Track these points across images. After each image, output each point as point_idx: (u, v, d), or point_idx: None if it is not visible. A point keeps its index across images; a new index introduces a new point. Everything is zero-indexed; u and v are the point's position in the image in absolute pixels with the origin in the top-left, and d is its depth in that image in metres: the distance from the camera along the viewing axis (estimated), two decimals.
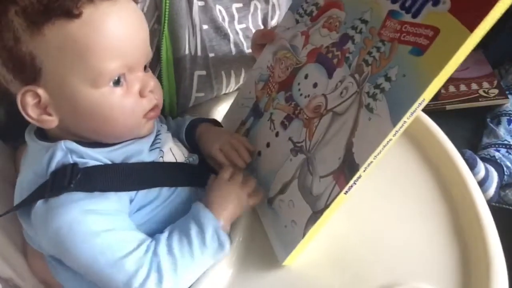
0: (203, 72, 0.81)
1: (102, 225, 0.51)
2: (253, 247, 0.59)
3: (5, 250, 0.64)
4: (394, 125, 0.47)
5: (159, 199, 0.57)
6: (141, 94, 0.54)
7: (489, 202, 1.04)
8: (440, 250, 0.58)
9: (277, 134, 0.62)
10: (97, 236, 0.50)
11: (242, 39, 0.82)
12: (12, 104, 0.52)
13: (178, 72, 0.80)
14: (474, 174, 1.02)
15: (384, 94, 0.49)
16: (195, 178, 0.61)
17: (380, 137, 0.48)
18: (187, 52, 0.78)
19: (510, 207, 1.05)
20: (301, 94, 0.60)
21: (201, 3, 0.78)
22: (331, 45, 0.58)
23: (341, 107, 0.54)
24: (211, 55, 0.80)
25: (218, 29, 0.80)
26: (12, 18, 0.49)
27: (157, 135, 0.60)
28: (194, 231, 0.52)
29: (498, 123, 1.16)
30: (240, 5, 0.81)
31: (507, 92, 1.21)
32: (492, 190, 1.04)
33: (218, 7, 0.80)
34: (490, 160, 1.08)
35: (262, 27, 0.84)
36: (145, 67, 0.55)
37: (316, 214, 0.53)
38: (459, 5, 0.44)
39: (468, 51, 0.43)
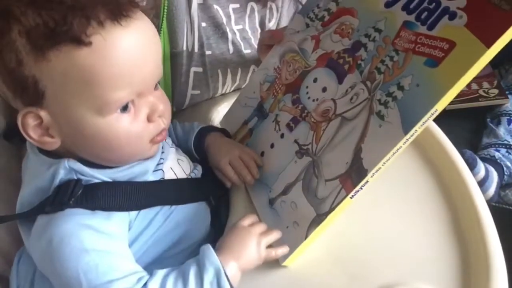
0: (200, 69, 0.81)
1: (95, 243, 0.48)
2: None
3: (8, 250, 0.62)
4: (406, 133, 0.48)
5: (156, 220, 0.55)
6: (149, 119, 0.51)
7: (489, 202, 1.04)
8: (440, 250, 0.59)
9: (282, 136, 0.63)
10: (86, 253, 0.47)
11: (239, 40, 0.83)
12: None
13: (174, 68, 0.80)
14: (474, 174, 1.03)
15: (396, 103, 0.50)
16: (197, 193, 0.59)
17: (391, 144, 0.49)
18: (184, 48, 0.78)
19: (510, 207, 1.05)
20: (309, 98, 0.61)
21: (200, 1, 0.78)
22: (342, 51, 0.58)
23: (350, 113, 0.55)
24: (208, 52, 0.80)
25: (217, 28, 0.80)
26: (15, 39, 0.45)
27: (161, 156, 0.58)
28: (192, 271, 0.48)
29: (498, 123, 1.17)
30: (237, 5, 0.82)
31: (507, 92, 1.21)
32: (492, 190, 1.05)
33: (215, 6, 0.80)
34: (490, 160, 1.09)
35: (259, 30, 0.85)
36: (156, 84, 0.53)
37: (320, 217, 0.54)
38: (476, 21, 0.46)
39: (483, 65, 0.45)
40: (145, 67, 0.49)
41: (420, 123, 0.48)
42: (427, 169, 0.69)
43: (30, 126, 0.49)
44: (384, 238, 0.59)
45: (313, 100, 0.60)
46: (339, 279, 0.56)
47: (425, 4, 0.51)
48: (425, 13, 0.51)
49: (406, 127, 0.48)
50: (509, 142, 1.13)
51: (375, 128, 0.51)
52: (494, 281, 0.54)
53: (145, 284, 0.47)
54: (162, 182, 0.56)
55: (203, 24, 0.79)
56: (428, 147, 0.69)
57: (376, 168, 0.50)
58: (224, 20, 0.81)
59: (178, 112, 0.86)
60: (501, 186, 1.08)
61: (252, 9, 0.83)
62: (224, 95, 0.88)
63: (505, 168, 1.08)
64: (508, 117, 1.18)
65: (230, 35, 0.81)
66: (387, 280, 0.55)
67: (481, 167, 1.05)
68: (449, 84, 0.46)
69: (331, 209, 0.53)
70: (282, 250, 0.54)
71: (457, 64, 0.46)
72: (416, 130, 0.48)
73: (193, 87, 0.83)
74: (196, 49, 0.80)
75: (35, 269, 0.55)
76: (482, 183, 1.04)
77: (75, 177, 0.51)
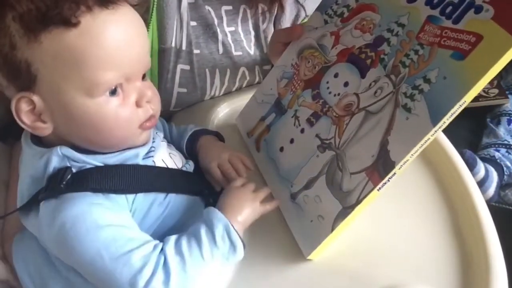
0: (187, 67, 0.81)
1: (107, 219, 0.49)
2: (255, 244, 0.58)
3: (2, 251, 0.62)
4: (434, 125, 0.49)
5: (152, 211, 0.55)
6: (138, 104, 0.52)
7: (489, 202, 1.05)
8: (440, 251, 0.60)
9: (302, 131, 0.63)
10: (101, 229, 0.48)
11: (230, 41, 0.83)
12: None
13: (161, 63, 0.80)
14: (474, 174, 1.04)
15: (423, 95, 0.51)
16: (191, 184, 0.59)
17: (419, 136, 0.50)
18: (172, 44, 0.78)
19: (510, 207, 1.06)
20: (330, 92, 0.61)
21: (191, 0, 0.79)
22: (364, 46, 0.59)
23: (375, 106, 0.55)
24: (197, 51, 0.81)
25: (207, 27, 0.81)
26: (9, 24, 0.48)
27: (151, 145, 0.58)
28: (203, 230, 0.51)
29: (498, 123, 1.18)
30: (230, 7, 0.82)
31: (507, 92, 1.22)
32: (492, 190, 1.06)
33: (207, 7, 0.80)
34: (490, 160, 1.10)
35: (252, 32, 0.85)
36: (143, 76, 0.54)
37: (346, 210, 0.54)
38: (503, 14, 0.47)
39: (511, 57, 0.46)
40: (132, 51, 0.51)
41: (449, 114, 0.48)
42: (426, 169, 0.70)
43: (23, 111, 0.50)
44: (383, 239, 0.60)
45: (335, 95, 0.60)
46: (338, 281, 0.56)
47: None
48: (450, 8, 0.51)
49: (435, 118, 0.49)
50: (509, 142, 1.14)
51: (402, 121, 0.52)
52: (494, 282, 0.54)
53: (162, 249, 0.49)
54: (155, 168, 0.56)
55: (193, 23, 0.79)
56: (427, 147, 0.70)
57: (404, 160, 0.51)
58: (216, 21, 0.81)
59: (176, 113, 0.86)
60: (501, 186, 1.09)
61: (245, 12, 0.83)
62: (221, 97, 0.87)
63: (505, 168, 1.10)
64: (508, 117, 1.20)
65: (220, 36, 0.81)
66: (387, 282, 0.56)
67: (481, 167, 1.07)
68: (478, 76, 0.47)
69: (358, 202, 0.53)
70: (275, 202, 0.59)
71: (485, 57, 0.47)
72: (444, 122, 0.49)
73: (179, 84, 0.82)
74: (184, 47, 0.80)
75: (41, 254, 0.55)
76: (482, 183, 1.05)
77: (68, 164, 0.51)
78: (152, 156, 0.56)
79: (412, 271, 0.58)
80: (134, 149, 0.55)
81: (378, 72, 0.56)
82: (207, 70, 0.82)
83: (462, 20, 0.50)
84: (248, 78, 0.87)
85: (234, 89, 0.87)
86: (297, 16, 0.87)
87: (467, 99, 0.48)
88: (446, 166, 0.70)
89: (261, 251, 0.59)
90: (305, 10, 0.87)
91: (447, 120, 0.49)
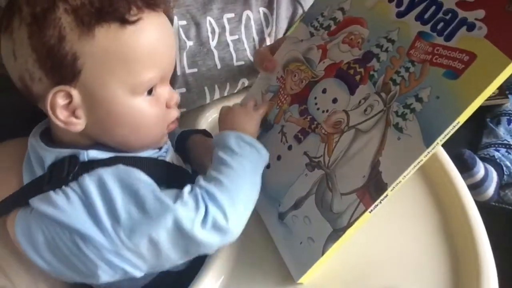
0: (183, 90, 0.79)
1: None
2: (243, 266, 0.58)
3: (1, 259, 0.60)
4: (427, 146, 0.47)
5: None
6: (168, 105, 0.54)
7: (488, 202, 1.06)
8: (430, 254, 0.59)
9: (289, 148, 0.61)
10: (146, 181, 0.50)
11: (232, 51, 0.81)
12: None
13: None
14: (474, 174, 1.05)
15: (415, 115, 0.49)
16: None
17: (411, 157, 0.48)
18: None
19: (510, 207, 1.07)
20: (318, 109, 0.59)
21: (183, 22, 0.77)
22: (352, 62, 0.57)
23: (365, 125, 0.53)
24: (193, 70, 0.78)
25: (203, 45, 0.78)
26: (60, 16, 0.47)
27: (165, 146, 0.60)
28: (219, 150, 0.53)
29: (498, 123, 1.18)
30: (232, 15, 0.80)
31: (507, 92, 1.22)
32: (491, 190, 1.05)
33: (208, 18, 0.78)
34: (489, 160, 1.10)
35: (257, 38, 0.83)
36: None
37: (337, 232, 0.53)
38: (497, 32, 0.45)
39: (507, 76, 0.44)
40: (171, 53, 0.54)
41: (442, 135, 0.47)
42: (416, 172, 0.67)
43: (59, 105, 0.49)
44: (374, 244, 0.59)
45: (323, 112, 0.59)
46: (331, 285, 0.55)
47: (440, 15, 0.50)
48: (441, 24, 0.50)
49: (428, 140, 0.47)
50: (509, 142, 1.14)
51: (394, 141, 0.50)
52: (485, 283, 0.54)
53: (195, 186, 0.50)
54: (166, 163, 0.57)
55: (190, 43, 0.77)
56: None
57: (396, 182, 0.49)
58: (217, 32, 0.79)
59: None
60: (501, 186, 1.09)
61: (248, 18, 0.81)
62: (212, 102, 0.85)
63: (504, 168, 1.10)
64: (508, 117, 1.20)
65: (216, 53, 0.79)
66: (379, 285, 0.55)
67: (480, 167, 1.06)
68: (472, 96, 0.45)
69: (349, 224, 0.52)
70: (264, 103, 0.65)
71: (479, 76, 0.45)
72: (437, 143, 0.47)
73: (178, 106, 0.81)
74: (178, 72, 0.78)
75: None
76: (481, 183, 1.05)
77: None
78: (165, 157, 0.57)
79: (403, 275, 0.57)
80: (153, 150, 0.56)
81: (367, 89, 0.54)
82: (205, 88, 0.80)
83: (454, 37, 0.49)
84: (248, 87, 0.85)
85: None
86: (294, 13, 0.85)
87: (461, 120, 0.47)
88: (436, 169, 0.69)
89: (249, 274, 0.57)
90: (303, 8, 0.85)
91: (440, 141, 0.47)
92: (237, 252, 0.56)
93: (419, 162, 0.48)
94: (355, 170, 0.53)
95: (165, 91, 0.54)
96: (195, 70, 0.78)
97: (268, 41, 0.83)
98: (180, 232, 0.47)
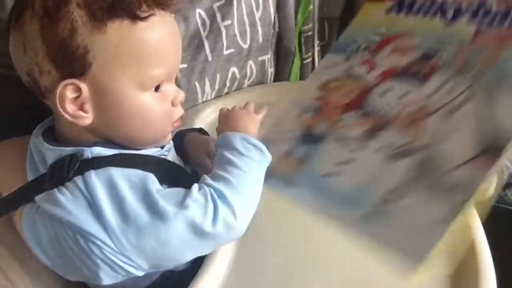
0: None
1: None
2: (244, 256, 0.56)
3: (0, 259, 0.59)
4: None
5: None
6: (173, 103, 0.54)
7: None
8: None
9: (356, 150, 0.57)
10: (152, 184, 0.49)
11: (224, 39, 0.81)
12: None
13: None
14: None
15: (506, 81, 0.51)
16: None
17: None
18: None
19: (510, 207, 1.04)
20: (383, 108, 0.58)
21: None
22: (412, 62, 0.59)
23: (453, 104, 0.53)
24: (183, 66, 0.78)
25: (192, 38, 0.79)
26: (73, 10, 0.48)
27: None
28: (224, 151, 0.53)
29: None
30: (222, 2, 0.81)
31: None
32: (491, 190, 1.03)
33: (197, 10, 0.78)
34: None
35: (247, 21, 0.84)
36: None
37: (456, 206, 0.47)
38: None
39: None
40: (179, 51, 0.54)
41: None
42: None
43: (68, 98, 0.49)
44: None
45: (392, 108, 0.57)
46: None
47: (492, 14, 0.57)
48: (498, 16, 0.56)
49: None
50: None
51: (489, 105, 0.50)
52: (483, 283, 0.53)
53: (203, 182, 0.50)
54: (168, 161, 0.56)
55: None
56: None
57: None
58: (208, 22, 0.79)
59: None
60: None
61: (239, 2, 0.82)
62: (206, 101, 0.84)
63: (504, 168, 1.11)
64: None
65: (207, 43, 0.79)
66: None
67: None
68: None
69: (468, 197, 0.47)
70: (264, 107, 0.64)
71: None
72: None
73: None
74: None
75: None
76: None
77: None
78: (166, 156, 0.57)
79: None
80: (156, 148, 0.56)
81: (443, 75, 0.56)
82: (196, 82, 0.80)
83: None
84: (238, 76, 0.86)
85: (225, 91, 0.87)
86: None
87: None
88: None
89: (249, 274, 0.54)
90: None
91: None
92: (237, 252, 0.55)
93: None
94: (460, 143, 0.50)
95: (171, 89, 0.54)
96: (185, 65, 0.78)
97: (259, 25, 0.85)
98: (191, 231, 0.47)
